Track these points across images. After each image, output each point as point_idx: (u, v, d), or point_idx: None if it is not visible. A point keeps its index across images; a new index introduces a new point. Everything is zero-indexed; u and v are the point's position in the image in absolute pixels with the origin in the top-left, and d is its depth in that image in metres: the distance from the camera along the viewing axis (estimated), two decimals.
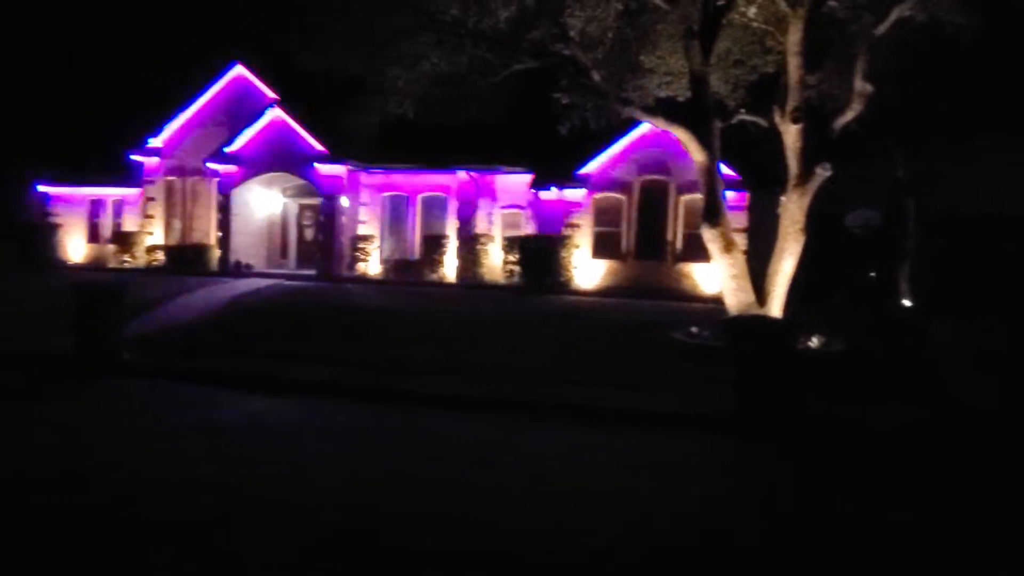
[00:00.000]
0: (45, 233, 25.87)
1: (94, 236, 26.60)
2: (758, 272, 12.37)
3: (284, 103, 22.88)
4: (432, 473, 6.28)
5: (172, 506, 5.30)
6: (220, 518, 5.09)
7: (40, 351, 11.11)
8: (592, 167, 21.24)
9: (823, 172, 11.53)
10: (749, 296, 11.88)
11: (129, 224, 25.84)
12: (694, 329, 12.58)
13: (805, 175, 11.64)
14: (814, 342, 11.68)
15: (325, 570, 4.36)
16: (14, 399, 8.84)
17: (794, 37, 11.12)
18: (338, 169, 22.67)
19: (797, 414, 8.29)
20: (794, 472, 6.86)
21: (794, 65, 11.22)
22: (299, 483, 5.89)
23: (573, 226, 21.39)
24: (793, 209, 11.69)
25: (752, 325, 9.42)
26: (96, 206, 26.64)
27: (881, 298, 19.29)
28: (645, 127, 20.18)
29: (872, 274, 22.09)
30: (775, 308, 11.78)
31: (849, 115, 11.55)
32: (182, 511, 5.21)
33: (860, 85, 11.27)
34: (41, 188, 26.55)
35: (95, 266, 25.27)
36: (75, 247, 26.54)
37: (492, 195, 22.85)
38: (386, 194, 23.92)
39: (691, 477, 6.51)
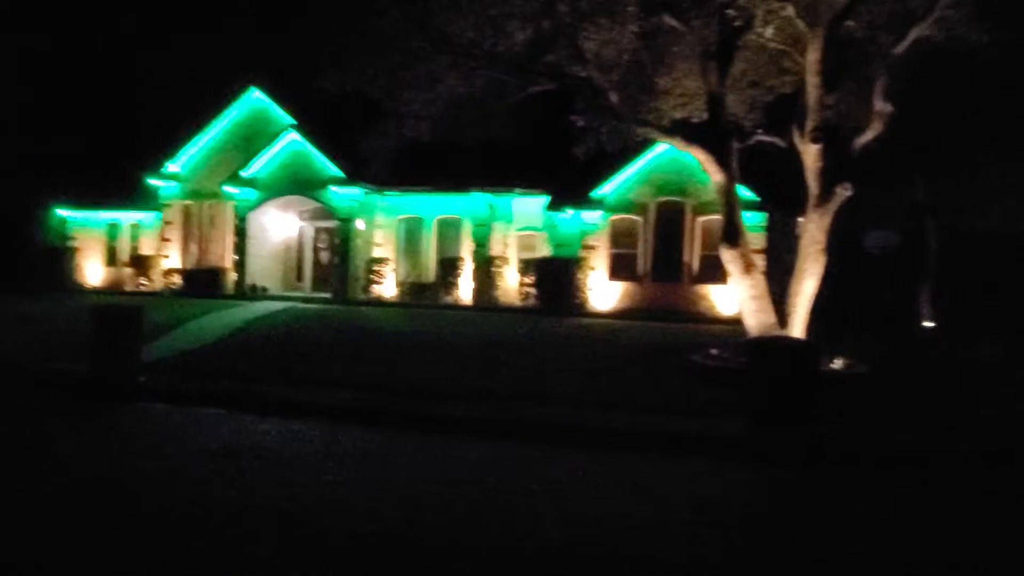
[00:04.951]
0: (64, 257, 26.10)
1: (112, 260, 26.79)
2: (776, 293, 12.22)
3: (301, 126, 23.04)
4: (450, 498, 6.16)
5: (177, 534, 5.20)
6: (237, 539, 4.99)
7: (59, 374, 11.11)
8: (608, 189, 21.19)
9: (843, 192, 11.41)
10: (770, 317, 11.73)
11: (146, 248, 26.03)
12: (714, 351, 12.40)
13: (825, 195, 11.52)
14: (837, 364, 11.48)
15: None
16: (32, 423, 8.81)
17: (812, 57, 11.06)
18: (354, 192, 22.76)
19: (821, 438, 8.10)
20: (819, 500, 6.67)
21: (813, 85, 11.15)
22: (314, 507, 5.78)
23: (589, 248, 21.31)
24: (813, 229, 11.56)
25: (775, 346, 9.24)
26: (114, 230, 26.86)
27: (901, 319, 19.02)
28: (661, 149, 20.15)
29: (890, 295, 21.82)
30: (797, 329, 11.61)
31: (869, 135, 11.45)
32: (190, 537, 5.11)
33: (880, 105, 11.17)
34: (60, 212, 26.82)
35: (113, 289, 25.45)
36: (93, 271, 26.73)
37: (508, 217, 22.83)
38: (401, 217, 23.97)
39: (707, 501, 6.34)
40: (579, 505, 6.09)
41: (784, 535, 5.68)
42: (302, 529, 5.31)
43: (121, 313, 11.22)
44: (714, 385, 10.69)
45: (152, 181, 25.36)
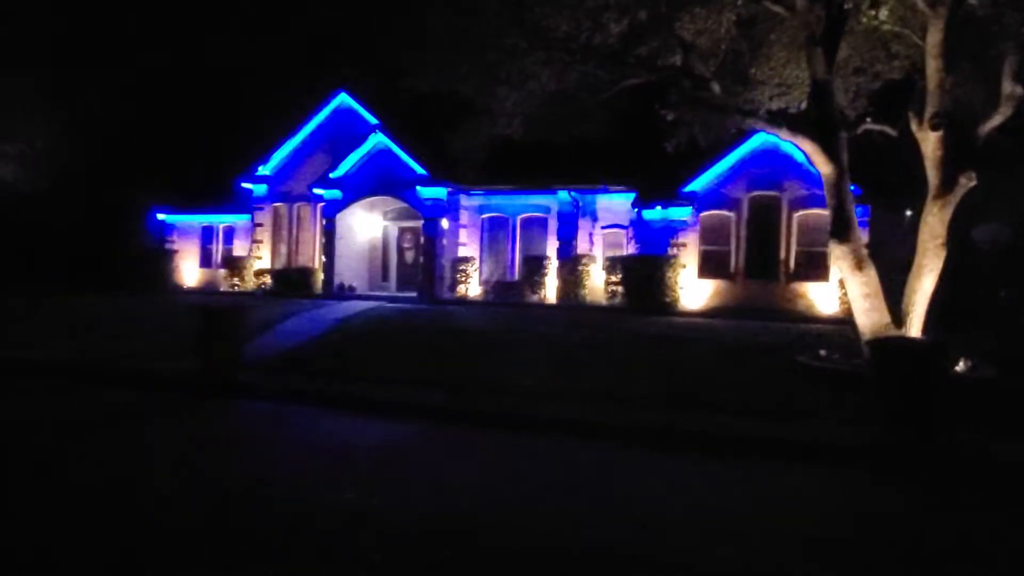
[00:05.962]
0: (163, 259, 27.18)
1: (206, 261, 27.76)
2: (885, 291, 11.52)
3: (386, 127, 23.27)
4: (561, 503, 5.93)
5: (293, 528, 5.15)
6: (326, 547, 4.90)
7: (163, 372, 11.45)
8: (698, 184, 20.59)
9: (967, 182, 10.65)
10: (883, 316, 11.05)
11: (239, 249, 26.85)
12: (822, 352, 11.80)
13: (945, 186, 10.79)
14: (961, 366, 10.72)
15: None
16: (144, 422, 9.05)
17: (933, 39, 10.35)
18: (438, 192, 22.84)
19: (956, 447, 7.52)
20: (963, 514, 6.13)
21: (933, 68, 10.44)
22: (405, 508, 5.65)
23: (679, 245, 20.75)
24: (933, 223, 10.84)
25: (899, 348, 8.65)
26: (208, 232, 27.83)
27: (1020, 317, 17.76)
28: (754, 142, 19.47)
29: (1002, 293, 20.46)
30: (914, 329, 10.91)
31: (996, 119, 10.65)
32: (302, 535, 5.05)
33: (1009, 87, 10.36)
34: (160, 216, 27.96)
35: (207, 290, 26.34)
36: (189, 272, 27.75)
37: (593, 215, 22.50)
38: (486, 216, 23.94)
39: (839, 515, 5.91)
40: (693, 516, 5.77)
41: (933, 557, 5.21)
42: (423, 531, 5.19)
43: (223, 313, 11.47)
44: (825, 388, 10.12)
45: (244, 184, 26.16)
